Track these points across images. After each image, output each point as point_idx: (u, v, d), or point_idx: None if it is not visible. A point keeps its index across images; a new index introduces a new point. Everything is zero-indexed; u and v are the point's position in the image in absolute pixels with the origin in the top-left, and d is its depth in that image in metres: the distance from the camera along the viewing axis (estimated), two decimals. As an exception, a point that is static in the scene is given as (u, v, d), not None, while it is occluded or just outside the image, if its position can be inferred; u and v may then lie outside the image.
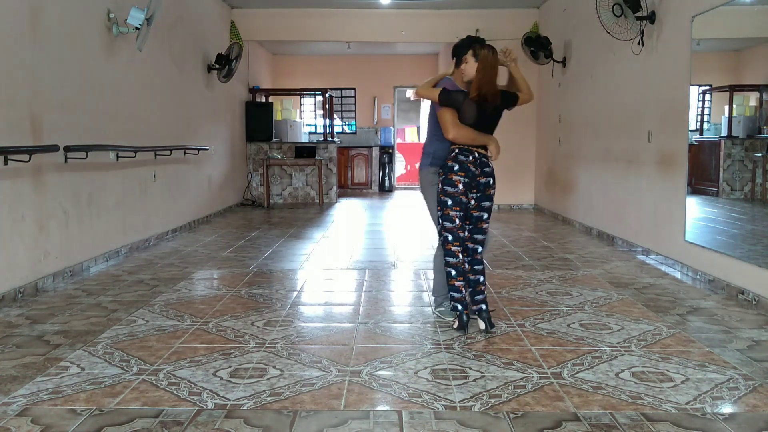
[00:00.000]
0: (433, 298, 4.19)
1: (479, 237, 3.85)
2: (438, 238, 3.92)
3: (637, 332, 3.68)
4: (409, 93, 3.51)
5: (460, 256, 3.79)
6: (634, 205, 6.35)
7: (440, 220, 3.81)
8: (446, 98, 3.73)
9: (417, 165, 3.87)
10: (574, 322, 3.89)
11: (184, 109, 7.91)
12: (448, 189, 3.74)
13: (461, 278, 3.77)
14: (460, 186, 3.72)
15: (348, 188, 14.01)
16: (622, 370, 3.08)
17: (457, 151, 3.76)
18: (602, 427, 2.48)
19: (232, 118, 10.30)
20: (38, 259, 4.71)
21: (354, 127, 14.59)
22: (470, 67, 3.76)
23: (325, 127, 12.16)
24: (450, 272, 3.78)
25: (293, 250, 6.54)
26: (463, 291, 3.76)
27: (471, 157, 3.74)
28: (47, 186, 4.83)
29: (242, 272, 5.38)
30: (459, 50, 3.86)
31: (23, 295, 4.46)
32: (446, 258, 3.80)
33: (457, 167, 3.73)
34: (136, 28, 5.73)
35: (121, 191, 6.07)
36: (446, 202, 3.76)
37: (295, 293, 4.71)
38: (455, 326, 3.73)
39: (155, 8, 5.78)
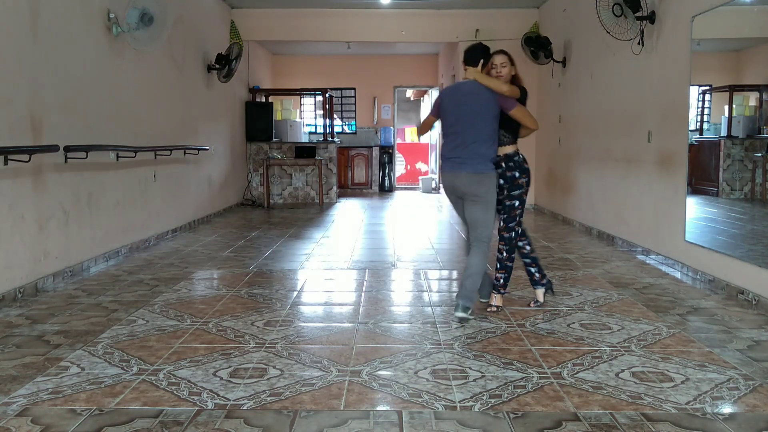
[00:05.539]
0: (461, 302, 3.84)
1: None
2: (485, 238, 3.95)
3: (637, 332, 3.68)
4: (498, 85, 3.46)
5: None
6: (634, 205, 6.35)
7: (518, 218, 4.08)
8: (525, 96, 4.01)
9: (471, 169, 3.87)
10: (574, 322, 3.89)
11: (184, 109, 7.92)
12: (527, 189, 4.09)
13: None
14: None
15: (348, 188, 14.01)
16: (622, 370, 3.08)
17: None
18: (602, 427, 2.48)
19: (232, 118, 10.30)
20: (38, 259, 4.71)
21: (354, 127, 14.59)
22: (508, 70, 3.98)
23: (325, 127, 12.16)
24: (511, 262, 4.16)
25: (293, 250, 6.54)
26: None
27: None
28: (47, 186, 4.83)
29: (242, 272, 5.38)
30: (483, 54, 3.98)
31: (23, 295, 4.46)
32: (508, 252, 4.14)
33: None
34: (136, 29, 5.74)
35: (121, 191, 6.07)
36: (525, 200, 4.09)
37: (295, 293, 4.71)
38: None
39: (146, 6, 5.76)
